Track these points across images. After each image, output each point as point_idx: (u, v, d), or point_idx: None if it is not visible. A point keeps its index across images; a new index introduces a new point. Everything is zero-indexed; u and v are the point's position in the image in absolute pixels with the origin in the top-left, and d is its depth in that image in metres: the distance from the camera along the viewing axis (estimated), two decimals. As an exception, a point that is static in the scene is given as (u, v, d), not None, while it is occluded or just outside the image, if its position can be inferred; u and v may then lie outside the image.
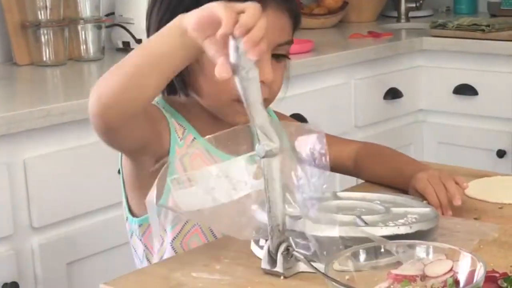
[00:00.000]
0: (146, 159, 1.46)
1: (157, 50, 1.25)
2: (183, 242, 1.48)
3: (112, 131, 1.35)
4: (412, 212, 1.36)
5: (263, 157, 1.17)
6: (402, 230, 1.25)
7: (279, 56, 1.49)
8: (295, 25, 1.51)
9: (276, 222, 1.20)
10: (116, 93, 1.28)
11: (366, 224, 1.27)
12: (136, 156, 1.47)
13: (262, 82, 1.31)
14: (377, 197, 1.44)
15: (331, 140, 1.60)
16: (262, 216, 1.23)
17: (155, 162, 1.45)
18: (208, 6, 1.15)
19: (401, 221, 1.31)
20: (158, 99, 1.55)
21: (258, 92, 1.16)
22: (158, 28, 1.32)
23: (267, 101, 1.48)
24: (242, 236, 1.28)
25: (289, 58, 1.53)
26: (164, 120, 1.50)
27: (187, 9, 1.22)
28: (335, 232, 1.20)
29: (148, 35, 1.53)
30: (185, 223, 1.48)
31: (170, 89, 1.52)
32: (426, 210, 1.38)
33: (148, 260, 1.54)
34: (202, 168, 1.25)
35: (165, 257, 1.48)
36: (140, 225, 1.52)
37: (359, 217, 1.28)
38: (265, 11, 1.29)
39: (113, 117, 1.31)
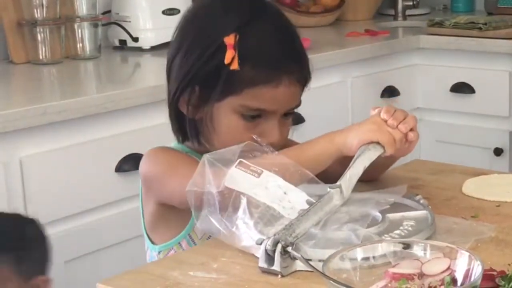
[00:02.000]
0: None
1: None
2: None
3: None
4: (408, 218, 1.36)
5: (334, 188, 1.34)
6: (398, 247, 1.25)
7: (286, 115, 1.55)
8: (306, 85, 1.58)
9: (296, 227, 1.25)
10: None
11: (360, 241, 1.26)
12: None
13: (271, 144, 1.47)
14: (372, 197, 1.43)
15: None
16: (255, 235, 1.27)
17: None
18: (369, 132, 1.45)
19: (397, 232, 1.31)
20: (176, 144, 1.61)
21: (370, 158, 1.40)
22: (177, 76, 1.52)
23: (274, 146, 1.52)
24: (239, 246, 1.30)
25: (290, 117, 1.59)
26: None
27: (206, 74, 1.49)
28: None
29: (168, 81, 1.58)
30: None
31: (184, 135, 1.58)
32: (422, 213, 1.38)
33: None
34: (273, 173, 1.34)
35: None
36: (159, 253, 1.58)
37: (354, 233, 1.28)
38: (279, 86, 1.48)
39: None
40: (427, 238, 1.30)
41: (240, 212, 1.29)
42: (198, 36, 1.53)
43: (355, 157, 1.40)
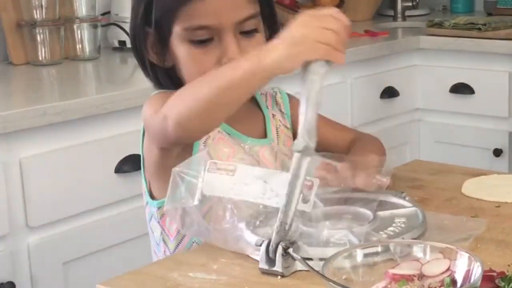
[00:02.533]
0: (175, 148, 1.49)
1: (232, 79, 1.31)
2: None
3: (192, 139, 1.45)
4: (398, 215, 1.37)
5: (299, 151, 1.21)
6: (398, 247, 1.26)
7: (248, 33, 1.50)
8: None
9: (285, 220, 1.22)
10: (199, 117, 1.35)
11: (359, 239, 1.26)
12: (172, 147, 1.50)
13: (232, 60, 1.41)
14: (359, 197, 1.44)
15: (332, 125, 1.68)
16: (249, 236, 1.27)
17: (181, 150, 1.49)
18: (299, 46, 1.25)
19: (391, 229, 1.32)
20: None
21: (319, 91, 1.25)
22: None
23: None
24: (235, 249, 1.30)
25: (258, 32, 1.52)
26: None
27: None
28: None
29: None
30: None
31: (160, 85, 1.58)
32: (412, 210, 1.39)
33: (164, 242, 1.56)
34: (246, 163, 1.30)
35: (183, 243, 1.52)
36: (158, 208, 1.55)
37: (350, 231, 1.28)
38: None
39: (196, 135, 1.42)
40: (421, 235, 1.30)
41: (227, 217, 1.29)
42: None
43: (302, 93, 1.26)
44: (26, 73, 2.64)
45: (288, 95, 1.70)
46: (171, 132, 1.38)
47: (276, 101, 1.66)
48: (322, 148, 1.53)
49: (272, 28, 1.59)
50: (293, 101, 1.65)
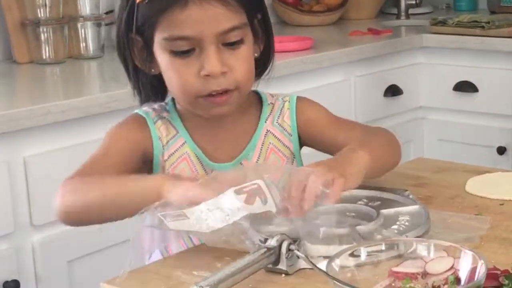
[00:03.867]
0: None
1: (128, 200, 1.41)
2: None
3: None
4: (402, 213, 1.37)
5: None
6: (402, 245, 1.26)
7: (233, 44, 1.45)
8: (248, 3, 1.46)
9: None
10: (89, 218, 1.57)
11: (363, 237, 1.26)
12: None
13: (208, 76, 1.41)
14: (362, 195, 1.44)
15: (338, 124, 1.61)
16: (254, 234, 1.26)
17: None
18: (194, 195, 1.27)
19: (395, 227, 1.32)
20: (168, 100, 1.59)
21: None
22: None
23: (236, 91, 1.47)
24: (239, 248, 1.29)
25: (243, 43, 1.47)
26: (145, 139, 1.55)
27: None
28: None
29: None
30: None
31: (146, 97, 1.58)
32: (416, 208, 1.39)
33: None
34: (191, 208, 1.26)
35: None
36: None
37: (354, 229, 1.28)
38: (187, 6, 1.39)
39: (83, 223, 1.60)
40: (425, 233, 1.30)
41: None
42: None
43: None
44: (30, 72, 2.65)
45: (298, 100, 1.62)
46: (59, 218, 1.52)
47: (280, 114, 1.58)
48: (331, 150, 1.54)
49: (267, 35, 1.55)
50: (302, 104, 1.61)
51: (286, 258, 1.21)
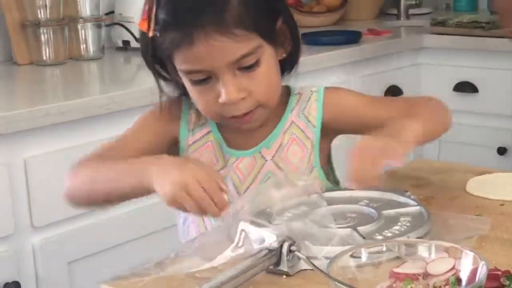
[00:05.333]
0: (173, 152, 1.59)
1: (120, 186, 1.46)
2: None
3: None
4: (403, 214, 1.37)
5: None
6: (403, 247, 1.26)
7: (249, 67, 1.46)
8: (259, 25, 1.45)
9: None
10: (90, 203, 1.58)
11: (364, 237, 1.27)
12: None
13: (225, 103, 1.45)
14: (363, 196, 1.44)
15: (376, 104, 1.61)
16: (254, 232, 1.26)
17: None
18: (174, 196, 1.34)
19: (396, 227, 1.32)
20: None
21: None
22: None
23: (261, 108, 1.50)
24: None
25: (259, 66, 1.47)
26: (172, 128, 1.60)
27: None
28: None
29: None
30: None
31: None
32: (416, 209, 1.39)
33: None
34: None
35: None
36: None
37: (355, 229, 1.29)
38: (194, 44, 1.41)
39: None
40: (426, 234, 1.30)
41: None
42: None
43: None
44: (30, 73, 2.65)
45: (326, 90, 1.63)
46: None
47: (306, 105, 1.59)
48: (375, 127, 1.48)
49: (295, 42, 1.56)
50: (330, 95, 1.62)
51: (287, 259, 1.21)
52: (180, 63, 1.46)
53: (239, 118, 1.49)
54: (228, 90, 1.44)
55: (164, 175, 1.36)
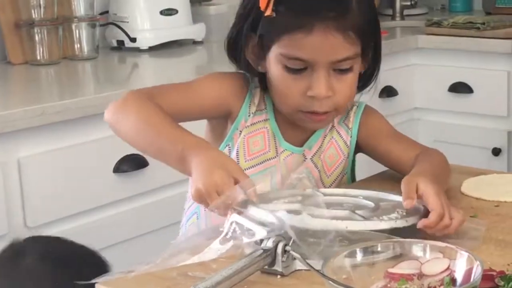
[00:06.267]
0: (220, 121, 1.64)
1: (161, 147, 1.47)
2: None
3: None
4: (400, 207, 1.37)
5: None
6: (399, 223, 1.28)
7: (342, 71, 1.52)
8: (365, 36, 1.53)
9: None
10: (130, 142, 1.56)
11: (364, 217, 1.27)
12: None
13: (313, 97, 1.51)
14: (359, 193, 1.45)
15: (397, 139, 1.69)
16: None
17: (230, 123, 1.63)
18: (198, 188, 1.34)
19: (394, 215, 1.32)
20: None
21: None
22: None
23: (335, 111, 1.56)
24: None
25: (351, 71, 1.54)
26: (237, 100, 1.62)
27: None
28: (341, 225, 1.23)
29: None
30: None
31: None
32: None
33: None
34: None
35: (192, 207, 1.66)
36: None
37: (353, 211, 1.29)
38: (312, 32, 1.46)
39: None
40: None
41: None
42: None
43: None
44: (25, 72, 2.64)
45: (366, 108, 1.71)
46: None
47: (347, 116, 1.67)
48: (384, 161, 1.66)
49: (375, 61, 1.63)
50: (368, 114, 1.69)
51: (282, 259, 1.20)
52: (285, 47, 1.49)
53: (316, 115, 1.54)
54: (322, 85, 1.50)
55: (200, 171, 1.36)
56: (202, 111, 1.60)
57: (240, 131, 1.61)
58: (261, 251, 1.20)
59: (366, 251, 1.14)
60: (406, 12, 3.74)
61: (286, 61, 1.51)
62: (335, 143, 1.65)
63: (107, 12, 2.98)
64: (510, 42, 2.99)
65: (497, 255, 1.27)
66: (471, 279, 1.04)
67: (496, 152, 3.06)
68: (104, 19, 2.95)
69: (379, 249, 1.14)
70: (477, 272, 1.04)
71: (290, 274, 1.22)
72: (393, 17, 3.72)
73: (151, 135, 1.48)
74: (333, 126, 1.65)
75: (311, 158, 1.63)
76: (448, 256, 1.09)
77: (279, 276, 1.21)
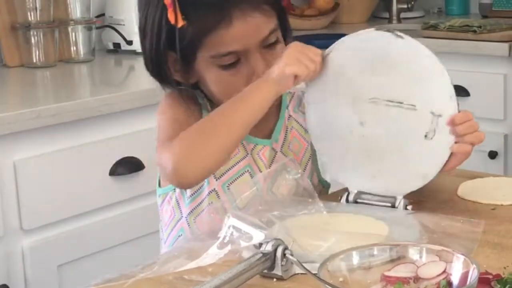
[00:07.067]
0: None
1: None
2: (197, 219, 1.57)
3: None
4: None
5: None
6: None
7: (271, 45, 1.53)
8: (276, 7, 1.55)
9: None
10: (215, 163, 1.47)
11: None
12: None
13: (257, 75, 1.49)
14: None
15: None
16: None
17: None
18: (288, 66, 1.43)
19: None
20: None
21: None
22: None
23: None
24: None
25: (279, 42, 1.56)
26: (195, 115, 1.57)
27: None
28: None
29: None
30: (201, 201, 1.56)
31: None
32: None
33: (161, 229, 1.64)
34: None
35: (176, 229, 1.59)
36: (159, 195, 1.62)
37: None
38: (232, 23, 1.46)
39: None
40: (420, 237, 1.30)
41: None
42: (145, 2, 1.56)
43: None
44: (21, 75, 2.64)
45: None
46: (170, 178, 1.47)
47: (300, 103, 1.66)
48: None
49: (287, 34, 1.62)
50: None
51: (281, 263, 1.20)
52: (213, 48, 1.48)
53: None
54: (261, 66, 1.49)
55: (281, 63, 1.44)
56: None
57: None
58: (261, 254, 1.20)
59: (363, 254, 1.13)
60: (402, 15, 3.74)
61: (219, 60, 1.50)
62: (296, 132, 1.64)
63: (103, 15, 2.98)
64: (507, 45, 2.98)
65: (494, 258, 1.27)
66: (467, 282, 1.04)
67: (493, 155, 3.06)
68: (101, 22, 2.95)
69: (375, 252, 1.14)
70: (473, 275, 1.04)
71: (289, 278, 1.22)
72: (389, 20, 3.73)
73: (228, 124, 1.46)
74: (290, 116, 1.64)
75: (280, 151, 1.61)
76: (444, 259, 1.09)
77: (275, 280, 1.21)
